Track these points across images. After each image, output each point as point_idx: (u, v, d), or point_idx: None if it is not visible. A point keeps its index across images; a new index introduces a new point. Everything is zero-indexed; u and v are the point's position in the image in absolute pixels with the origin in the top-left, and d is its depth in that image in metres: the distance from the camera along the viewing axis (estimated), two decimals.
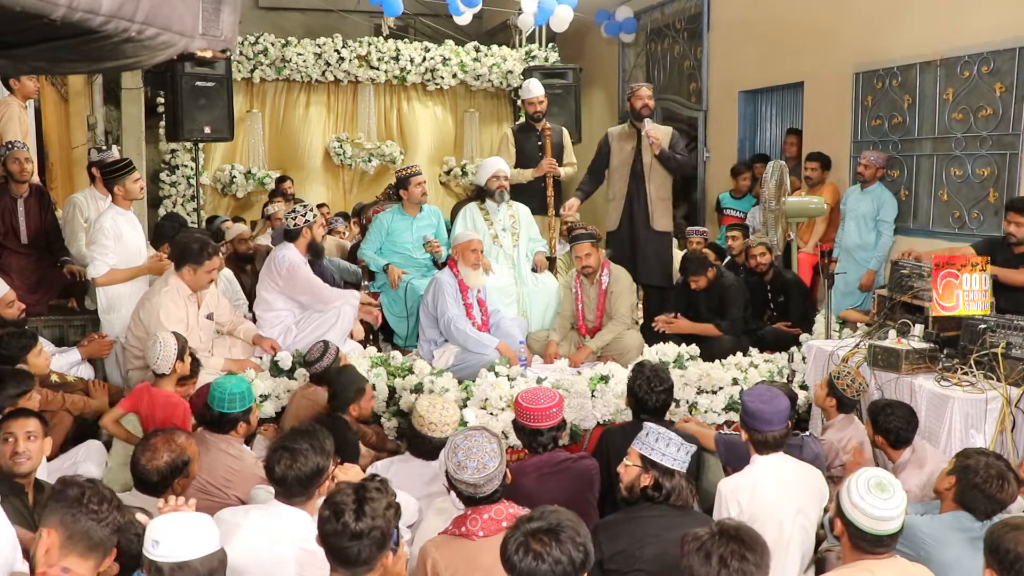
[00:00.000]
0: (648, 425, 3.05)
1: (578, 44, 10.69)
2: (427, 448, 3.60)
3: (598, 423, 4.73)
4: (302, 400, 4.43)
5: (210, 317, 5.01)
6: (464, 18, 8.68)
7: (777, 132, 8.29)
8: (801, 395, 4.80)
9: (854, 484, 2.59)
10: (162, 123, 8.66)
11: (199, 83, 7.81)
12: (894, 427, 3.75)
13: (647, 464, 2.93)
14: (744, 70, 8.14)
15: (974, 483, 3.01)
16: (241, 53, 9.36)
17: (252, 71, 9.57)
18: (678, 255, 7.22)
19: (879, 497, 2.53)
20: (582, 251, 5.77)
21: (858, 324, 5.53)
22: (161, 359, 4.08)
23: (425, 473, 3.59)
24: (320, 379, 4.41)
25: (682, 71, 9.16)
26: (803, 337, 5.58)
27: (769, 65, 7.74)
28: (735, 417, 4.81)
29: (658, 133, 6.23)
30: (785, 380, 5.05)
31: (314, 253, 5.41)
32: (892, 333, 4.65)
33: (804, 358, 5.23)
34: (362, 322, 5.96)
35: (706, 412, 4.86)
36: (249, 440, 3.96)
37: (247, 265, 6.77)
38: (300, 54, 9.66)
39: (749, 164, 8.14)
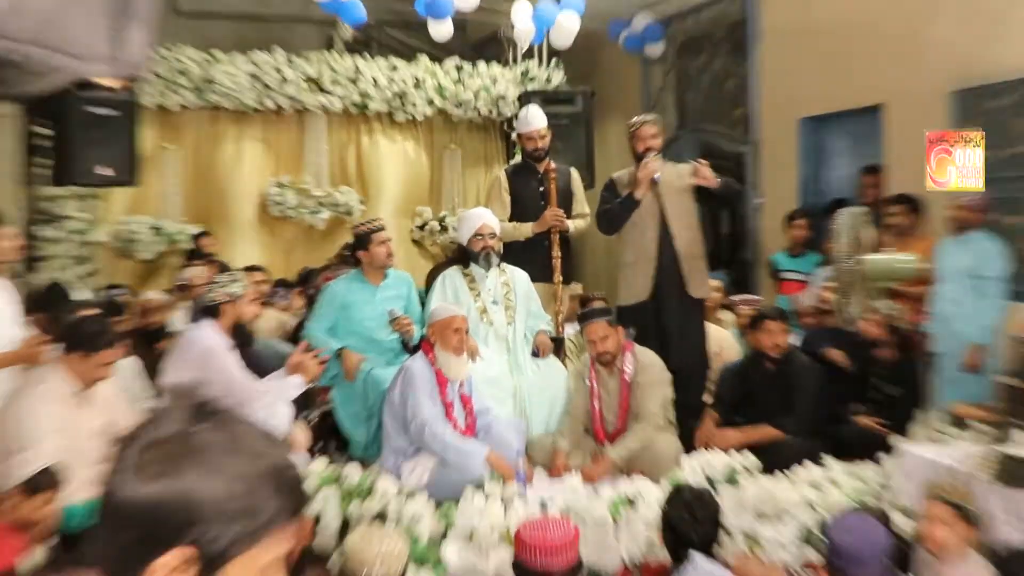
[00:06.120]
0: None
1: (589, 61, 10.80)
2: None
3: (624, 564, 4.62)
4: None
5: (104, 427, 4.83)
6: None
7: (850, 170, 8.29)
8: (898, 520, 4.63)
9: None
10: (46, 161, 8.59)
11: (95, 109, 7.79)
12: None
13: None
14: (805, 91, 8.22)
15: None
16: (153, 72, 9.34)
17: (166, 96, 9.57)
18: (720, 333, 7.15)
19: None
20: (596, 333, 5.73)
21: (974, 423, 5.40)
22: None
23: None
24: None
25: (723, 94, 9.29)
26: (894, 439, 5.44)
27: (837, 84, 7.81)
28: (813, 555, 4.64)
29: (664, 168, 6.29)
30: (878, 501, 4.91)
31: (241, 339, 5.36)
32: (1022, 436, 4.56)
33: (896, 469, 5.09)
34: (309, 424, 5.85)
35: (772, 547, 4.70)
36: None
37: (155, 343, 6.71)
38: (230, 73, 9.69)
39: (810, 211, 8.09)
